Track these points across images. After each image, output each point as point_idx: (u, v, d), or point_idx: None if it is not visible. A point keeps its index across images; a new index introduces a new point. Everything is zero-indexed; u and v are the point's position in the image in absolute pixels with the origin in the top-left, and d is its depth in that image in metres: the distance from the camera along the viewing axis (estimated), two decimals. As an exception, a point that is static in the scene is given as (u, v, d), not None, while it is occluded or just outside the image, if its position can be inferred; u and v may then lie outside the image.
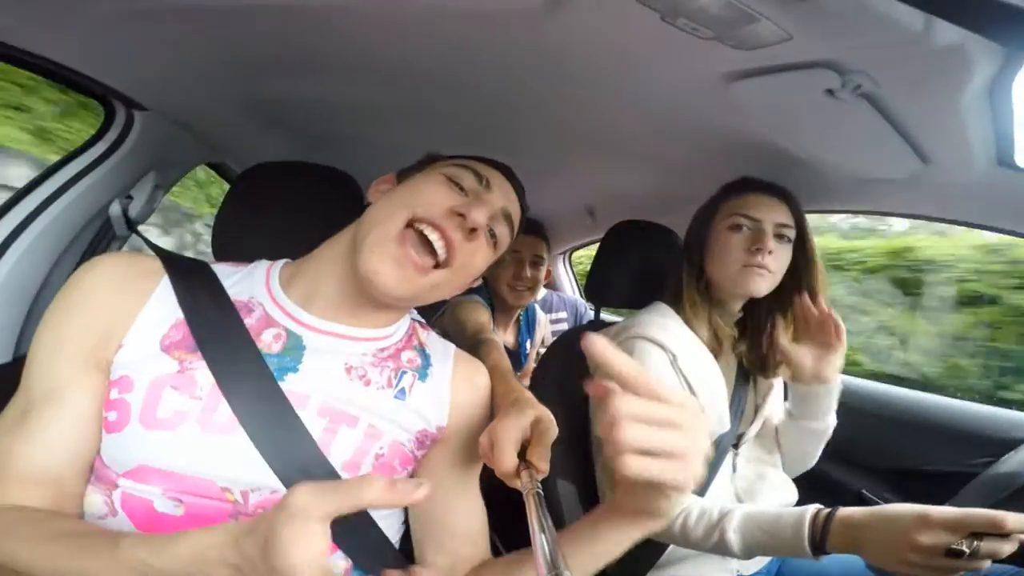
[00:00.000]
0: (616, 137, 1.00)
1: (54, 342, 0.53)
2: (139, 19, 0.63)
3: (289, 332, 0.58)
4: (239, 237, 0.75)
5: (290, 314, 0.59)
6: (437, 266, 0.58)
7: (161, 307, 0.55)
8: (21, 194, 0.75)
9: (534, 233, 1.54)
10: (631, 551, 0.84)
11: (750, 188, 0.91)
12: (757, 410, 0.97)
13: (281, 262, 0.65)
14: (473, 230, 0.58)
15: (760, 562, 0.93)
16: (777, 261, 0.87)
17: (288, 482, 0.52)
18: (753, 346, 0.95)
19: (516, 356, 1.61)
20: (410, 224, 0.56)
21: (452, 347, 0.71)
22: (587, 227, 1.92)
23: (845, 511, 0.67)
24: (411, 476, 0.62)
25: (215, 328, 0.55)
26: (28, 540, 0.44)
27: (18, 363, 0.78)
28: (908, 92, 0.65)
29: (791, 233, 0.89)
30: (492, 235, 0.63)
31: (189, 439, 0.51)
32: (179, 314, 0.55)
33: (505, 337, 1.60)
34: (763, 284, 0.87)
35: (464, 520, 0.64)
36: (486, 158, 0.68)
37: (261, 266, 0.64)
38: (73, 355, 0.52)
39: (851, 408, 1.06)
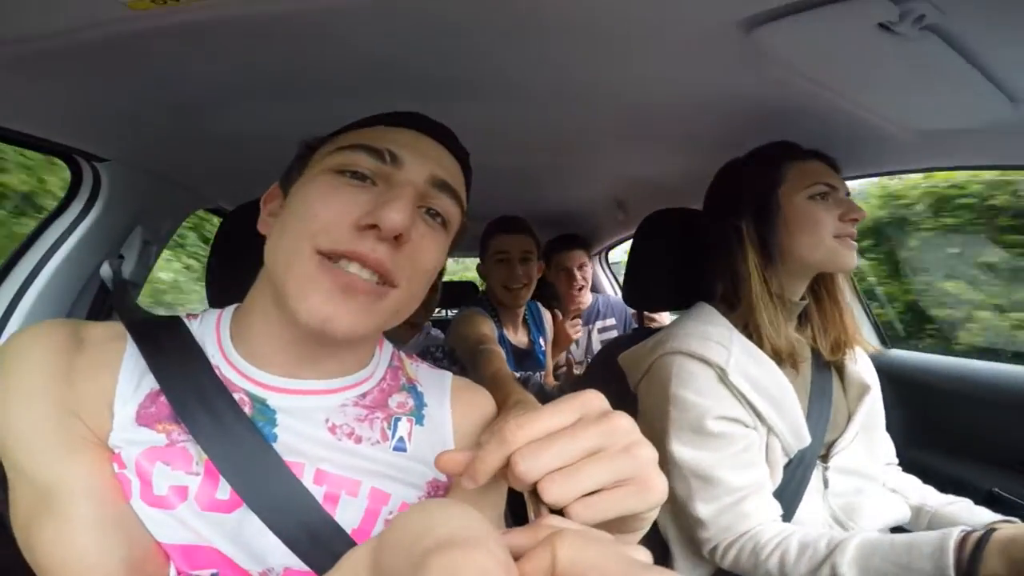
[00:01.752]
0: (639, 119, 0.89)
1: (37, 421, 0.44)
2: (73, 66, 0.58)
3: (251, 396, 0.50)
4: (231, 283, 0.70)
5: (245, 374, 0.50)
6: (383, 287, 0.47)
7: (131, 377, 0.48)
8: (12, 261, 0.73)
9: (519, 231, 1.48)
10: None
11: (809, 155, 0.79)
12: (851, 415, 0.82)
13: (232, 308, 0.55)
14: (397, 236, 0.46)
15: None
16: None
17: (305, 556, 0.46)
18: (821, 330, 0.83)
19: (532, 355, 1.57)
20: (321, 259, 0.45)
21: (448, 376, 0.61)
22: (619, 222, 1.82)
23: (1004, 531, 0.53)
24: None
25: (196, 396, 0.48)
26: None
27: None
28: (985, 17, 0.51)
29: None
30: (433, 214, 0.51)
31: (187, 518, 0.45)
32: (150, 384, 0.48)
33: (517, 338, 1.56)
34: (854, 257, 0.76)
35: None
36: (382, 115, 0.54)
37: (211, 315, 0.55)
38: (70, 431, 0.45)
39: (969, 394, 0.90)
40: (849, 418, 0.82)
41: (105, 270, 0.80)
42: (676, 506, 0.76)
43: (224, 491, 0.46)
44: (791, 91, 0.73)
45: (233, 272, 0.72)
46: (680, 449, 0.72)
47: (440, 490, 0.55)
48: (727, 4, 0.53)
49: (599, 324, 1.89)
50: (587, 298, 1.86)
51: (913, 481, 0.86)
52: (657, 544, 0.82)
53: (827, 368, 0.84)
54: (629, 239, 2.04)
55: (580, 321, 1.71)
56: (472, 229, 0.65)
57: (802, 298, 0.81)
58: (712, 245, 0.84)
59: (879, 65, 0.61)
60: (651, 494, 0.32)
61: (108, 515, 0.44)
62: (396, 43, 0.61)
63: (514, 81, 0.73)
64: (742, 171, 0.83)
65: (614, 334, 1.88)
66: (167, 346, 0.50)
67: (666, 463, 0.74)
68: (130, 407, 0.47)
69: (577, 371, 1.60)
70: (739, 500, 0.70)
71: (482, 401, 0.61)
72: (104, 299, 0.81)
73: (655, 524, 0.81)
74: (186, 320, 0.54)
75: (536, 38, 0.61)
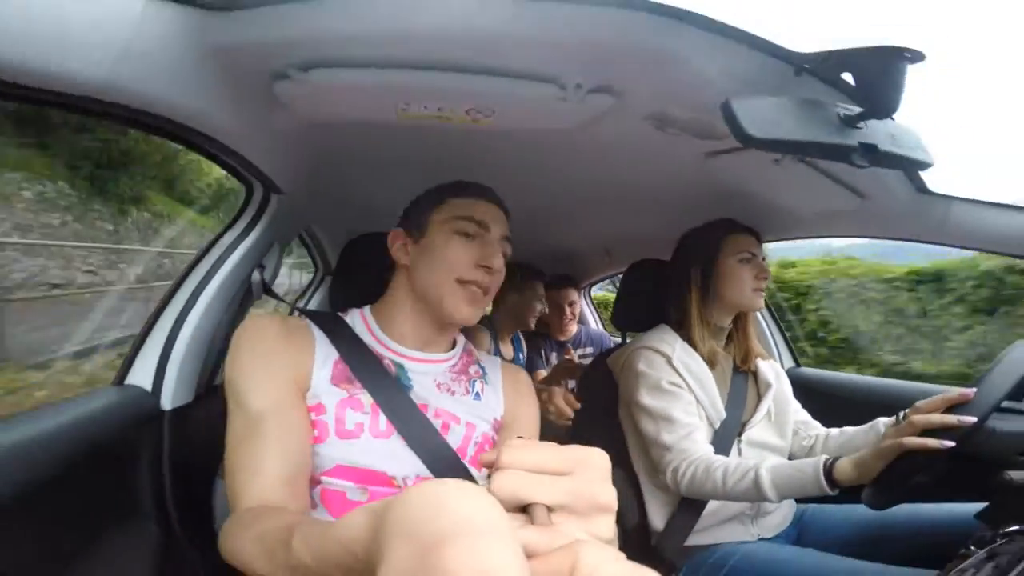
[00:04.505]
0: (626, 196, 1.27)
1: (262, 373, 0.68)
2: (298, 128, 0.83)
3: (395, 363, 0.79)
4: (351, 292, 0.99)
5: (389, 348, 0.80)
6: (485, 296, 0.80)
7: (322, 352, 0.75)
8: (195, 262, 1.03)
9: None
10: (674, 519, 1.08)
11: (744, 230, 1.17)
12: (759, 401, 1.18)
13: (367, 308, 0.84)
14: (497, 270, 0.79)
15: (779, 527, 1.13)
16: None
17: (432, 467, 0.72)
18: (739, 346, 1.21)
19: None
20: (460, 279, 0.77)
21: (498, 360, 0.94)
22: (605, 264, 2.23)
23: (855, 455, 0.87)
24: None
25: (362, 363, 0.75)
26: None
27: (204, 399, 1.03)
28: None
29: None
30: (503, 256, 0.82)
31: (366, 443, 0.71)
32: (334, 356, 0.75)
33: (504, 349, 2.01)
34: (760, 301, 1.15)
35: None
36: (470, 190, 0.83)
37: (354, 312, 0.84)
38: (282, 383, 0.69)
39: (849, 397, 1.27)
40: (756, 405, 1.18)
41: (255, 276, 1.06)
42: (646, 442, 1.10)
43: (383, 424, 0.72)
44: (731, 187, 1.11)
45: (353, 281, 1.04)
46: (647, 399, 1.09)
47: (498, 425, 0.85)
48: (697, 146, 0.87)
49: (579, 351, 2.26)
50: (573, 328, 2.25)
51: (818, 427, 1.22)
52: (630, 485, 1.16)
53: (743, 372, 1.21)
54: (610, 277, 2.47)
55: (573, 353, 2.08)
56: None
57: (730, 324, 1.20)
58: (671, 286, 1.22)
59: (780, 178, 1.00)
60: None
61: (290, 441, 0.66)
62: (484, 154, 0.98)
63: (536, 170, 1.09)
64: (695, 237, 1.21)
65: (590, 359, 2.25)
66: (339, 332, 0.78)
67: (638, 412, 1.11)
68: (324, 372, 0.73)
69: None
70: (689, 432, 1.05)
71: (521, 375, 0.94)
72: (247, 297, 1.10)
73: (630, 467, 1.16)
74: (340, 315, 0.84)
75: (566, 153, 0.97)
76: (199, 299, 1.00)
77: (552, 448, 0.33)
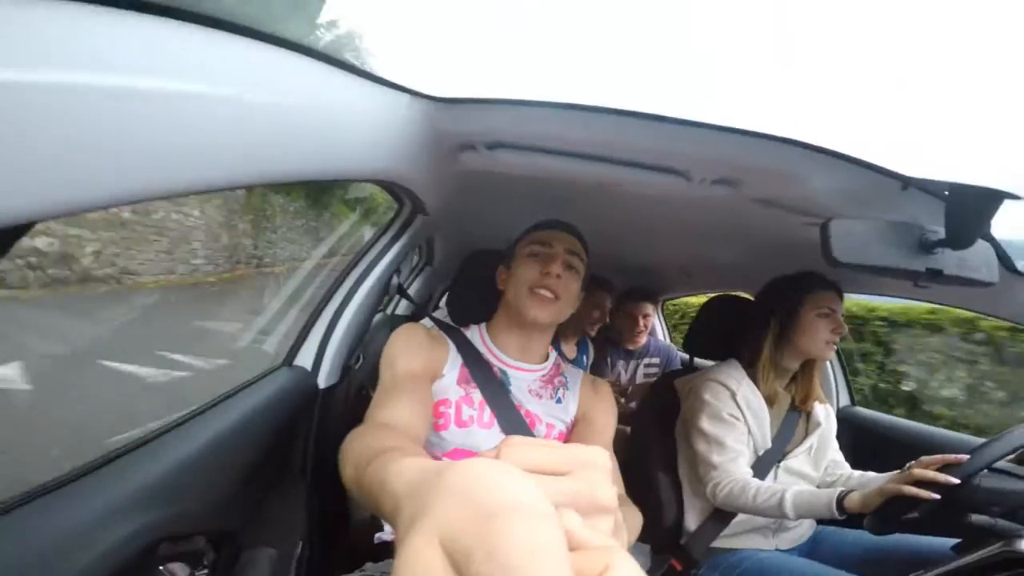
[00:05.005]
0: (714, 228, 1.36)
1: (407, 355, 0.90)
2: (454, 171, 1.00)
3: (501, 370, 0.98)
4: (467, 302, 1.15)
5: (500, 360, 0.99)
6: (555, 299, 0.94)
7: (453, 358, 0.96)
8: (352, 264, 1.27)
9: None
10: (705, 524, 1.23)
11: (829, 286, 1.26)
12: (805, 439, 1.31)
13: (483, 325, 1.05)
14: (558, 275, 0.94)
15: (796, 541, 1.27)
16: None
17: None
18: (801, 388, 1.32)
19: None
20: (531, 288, 0.94)
21: (580, 372, 1.09)
22: (683, 283, 2.32)
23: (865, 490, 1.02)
24: None
25: (479, 370, 0.96)
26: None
27: (348, 376, 1.25)
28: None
29: None
30: (571, 267, 0.97)
31: (475, 431, 0.90)
32: (460, 361, 0.96)
33: (566, 349, 2.11)
34: (832, 353, 1.25)
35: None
36: (545, 224, 1.02)
37: (474, 330, 1.04)
38: (419, 365, 0.90)
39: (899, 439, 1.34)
40: (801, 442, 1.30)
41: (394, 280, 1.29)
42: (695, 459, 1.26)
43: (488, 416, 0.92)
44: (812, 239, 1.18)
45: (471, 293, 1.22)
46: (706, 424, 1.24)
47: (568, 430, 1.00)
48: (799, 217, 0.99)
49: (645, 360, 2.33)
50: (644, 339, 2.32)
51: (846, 467, 1.34)
52: (673, 489, 1.33)
53: (797, 410, 1.32)
54: (683, 296, 2.56)
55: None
56: None
57: (797, 367, 1.30)
58: (749, 326, 1.33)
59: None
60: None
61: (415, 400, 0.82)
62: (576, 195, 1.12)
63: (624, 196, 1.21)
64: (781, 286, 1.31)
65: (654, 370, 2.33)
66: (464, 344, 0.99)
67: (695, 433, 1.26)
68: (453, 373, 0.94)
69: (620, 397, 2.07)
70: (735, 457, 1.20)
71: (597, 382, 1.08)
72: (383, 296, 1.33)
73: (676, 474, 1.34)
74: (464, 330, 1.04)
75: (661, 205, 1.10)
76: (354, 296, 1.23)
77: (552, 447, 0.33)
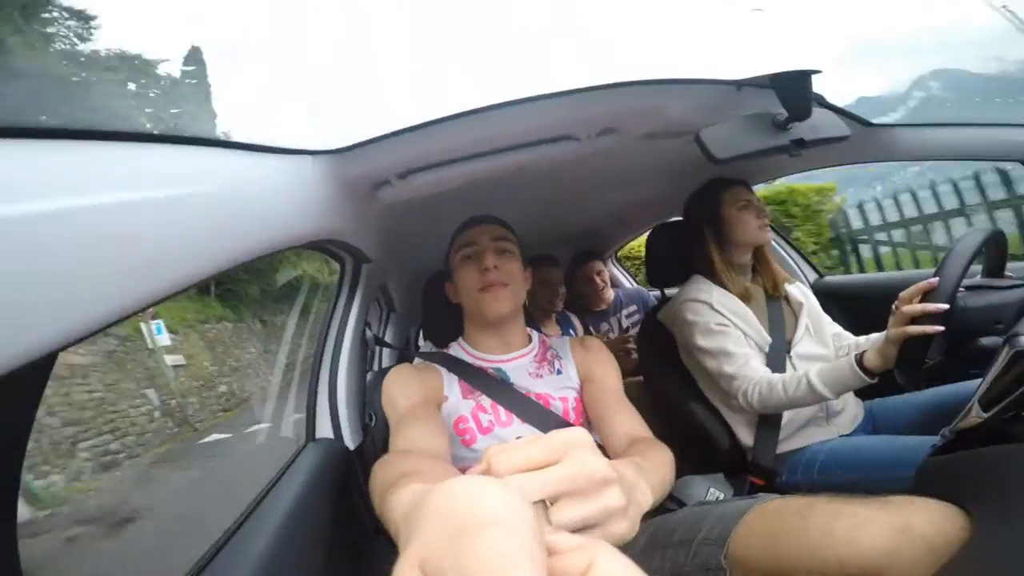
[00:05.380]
0: (629, 174, 1.50)
1: (404, 390, 0.95)
2: (382, 210, 1.06)
3: (495, 369, 1.03)
4: (446, 325, 1.20)
5: (489, 360, 1.05)
6: (505, 286, 0.99)
7: (448, 378, 1.02)
8: (325, 332, 1.31)
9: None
10: (759, 433, 1.29)
11: (736, 183, 1.37)
12: (797, 320, 1.35)
13: (460, 339, 1.11)
14: (495, 266, 0.98)
15: (853, 423, 1.28)
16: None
17: (548, 432, 0.92)
18: (766, 277, 1.40)
19: None
20: (479, 289, 0.99)
21: (566, 339, 1.14)
22: (623, 231, 2.48)
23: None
24: (585, 412, 1.03)
25: (475, 377, 1.01)
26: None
27: (368, 432, 1.28)
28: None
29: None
30: (503, 252, 1.01)
31: (499, 432, 0.95)
32: (456, 378, 1.01)
33: (550, 331, 2.13)
34: (768, 234, 1.34)
35: (622, 414, 0.97)
36: (461, 228, 1.07)
37: (455, 346, 1.10)
38: (420, 395, 0.95)
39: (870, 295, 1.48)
40: (795, 324, 1.36)
41: (368, 334, 1.34)
42: (714, 377, 1.30)
43: (504, 415, 0.96)
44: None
45: (440, 317, 1.27)
46: (702, 341, 1.29)
47: (580, 388, 1.05)
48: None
49: (624, 312, 2.41)
50: (610, 294, 2.42)
51: (849, 336, 1.41)
52: (712, 414, 1.37)
53: (776, 299, 1.39)
54: (628, 242, 2.71)
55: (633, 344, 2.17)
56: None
57: (750, 259, 1.39)
58: (692, 242, 1.42)
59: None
60: (615, 533, 0.35)
61: (426, 426, 0.86)
62: (507, 183, 1.22)
63: (549, 179, 1.30)
64: (698, 198, 1.42)
65: (636, 317, 2.42)
66: (452, 362, 1.04)
67: (698, 354, 1.30)
68: (455, 391, 0.99)
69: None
70: (746, 360, 1.22)
71: (585, 340, 1.14)
72: (365, 354, 1.39)
73: (706, 400, 1.38)
74: (445, 350, 1.10)
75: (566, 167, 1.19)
76: (340, 359, 1.28)
77: (533, 442, 0.35)
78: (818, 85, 0.81)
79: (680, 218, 1.52)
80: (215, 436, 7.63)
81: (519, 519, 0.24)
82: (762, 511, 0.66)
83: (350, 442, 1.21)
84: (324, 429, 1.20)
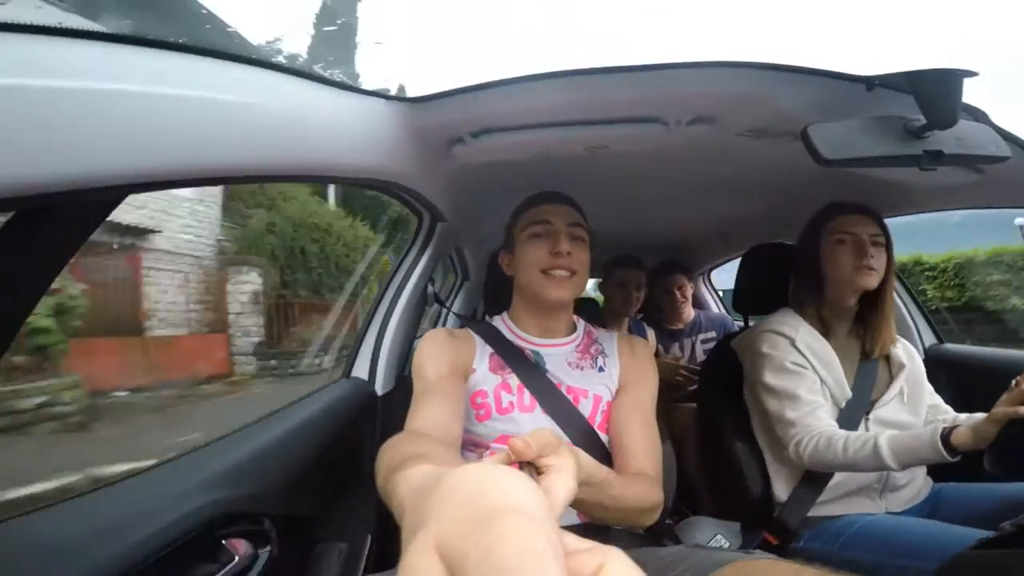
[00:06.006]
0: (736, 184, 1.36)
1: (433, 360, 0.91)
2: (460, 171, 1.09)
3: (532, 351, 0.98)
4: (502, 299, 1.18)
5: (528, 341, 1.00)
6: (571, 275, 0.94)
7: (481, 349, 0.98)
8: (390, 279, 1.37)
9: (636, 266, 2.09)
10: (796, 491, 1.16)
11: (848, 210, 1.18)
12: (891, 382, 1.19)
13: (505, 313, 1.06)
14: (568, 252, 0.93)
15: (910, 502, 1.13)
16: (879, 261, 1.14)
17: (567, 432, 0.88)
18: (872, 328, 1.20)
19: None
20: (543, 271, 0.94)
21: (615, 334, 1.07)
22: (722, 248, 2.29)
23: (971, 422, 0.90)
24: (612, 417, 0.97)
25: (509, 354, 0.97)
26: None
27: (401, 384, 1.34)
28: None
29: (881, 239, 1.16)
30: (575, 239, 0.96)
31: (517, 416, 0.91)
32: (489, 351, 0.97)
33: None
34: (872, 280, 1.13)
35: (639, 439, 0.92)
36: (533, 198, 1.01)
37: (498, 319, 1.05)
38: (446, 366, 0.91)
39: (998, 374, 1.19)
40: (888, 385, 1.18)
41: (430, 289, 1.38)
42: (770, 420, 1.17)
43: (528, 399, 0.92)
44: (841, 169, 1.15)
45: (498, 291, 1.27)
46: (771, 379, 1.15)
47: (615, 392, 0.98)
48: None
49: (701, 336, 2.26)
50: (688, 313, 2.26)
51: (949, 411, 1.20)
52: (754, 459, 1.25)
53: (873, 357, 1.20)
54: (726, 262, 2.49)
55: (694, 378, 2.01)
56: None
57: (855, 304, 1.19)
58: (792, 270, 1.27)
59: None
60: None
61: (448, 401, 0.85)
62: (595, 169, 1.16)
63: (640, 172, 1.22)
64: (810, 222, 1.24)
65: (713, 344, 2.19)
66: (491, 334, 1.00)
67: (762, 392, 1.17)
68: (484, 364, 0.95)
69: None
70: (813, 409, 1.09)
71: (638, 344, 1.07)
72: (423, 305, 1.43)
73: (755, 443, 1.25)
74: (489, 320, 1.07)
75: (662, 159, 1.11)
76: (396, 308, 1.33)
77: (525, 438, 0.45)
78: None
79: (784, 241, 1.36)
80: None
81: (543, 511, 0.24)
82: (740, 568, 0.59)
83: (380, 387, 1.24)
84: (361, 370, 1.25)
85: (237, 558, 0.67)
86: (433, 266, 1.41)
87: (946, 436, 0.89)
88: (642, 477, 0.85)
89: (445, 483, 0.27)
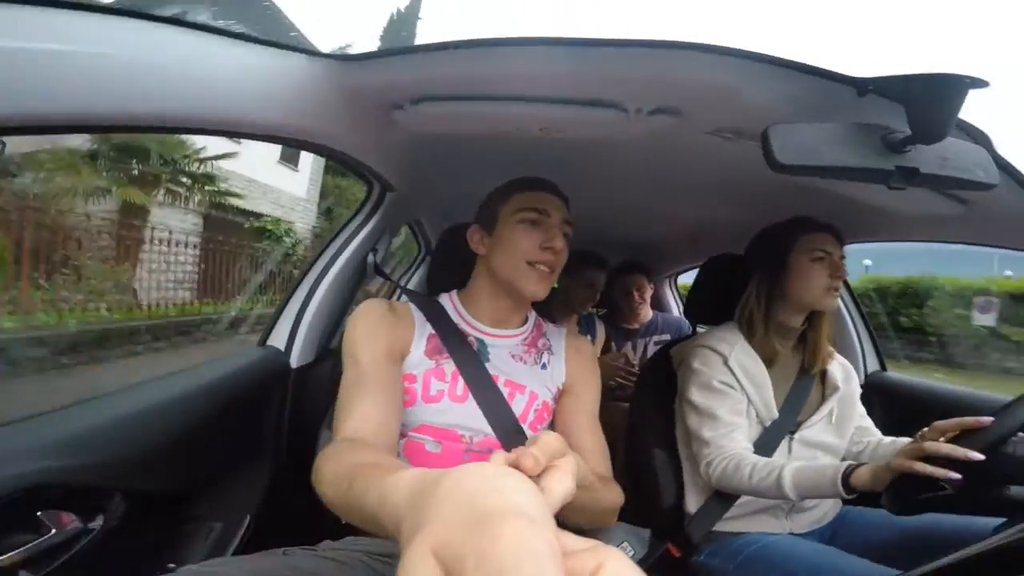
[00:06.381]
0: (707, 189, 1.29)
1: (368, 340, 0.84)
2: (408, 140, 1.00)
3: (477, 339, 0.92)
4: (447, 274, 1.12)
5: (475, 327, 0.93)
6: (551, 273, 0.90)
7: (420, 328, 0.90)
8: (325, 247, 1.26)
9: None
10: (705, 506, 1.14)
11: (821, 228, 1.13)
12: (822, 403, 1.17)
13: (454, 293, 0.98)
14: (560, 249, 0.89)
15: (814, 524, 1.14)
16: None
17: (496, 428, 0.85)
18: (810, 348, 1.18)
19: None
20: (529, 262, 0.88)
21: (563, 330, 1.03)
22: (691, 253, 2.22)
23: (872, 464, 0.90)
24: (552, 420, 0.95)
25: (450, 338, 0.90)
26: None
27: (324, 359, 1.25)
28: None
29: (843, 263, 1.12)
30: (566, 237, 0.92)
31: (446, 406, 0.85)
32: (429, 330, 0.90)
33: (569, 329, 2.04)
34: (836, 303, 1.14)
35: (589, 442, 0.92)
36: (532, 183, 0.94)
37: (445, 298, 0.97)
38: (384, 348, 0.84)
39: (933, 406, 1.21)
40: (818, 407, 1.17)
41: (370, 259, 1.26)
42: (689, 436, 1.15)
43: (460, 389, 0.86)
44: (819, 184, 1.03)
45: (449, 265, 1.19)
46: (695, 396, 1.12)
47: (558, 393, 0.96)
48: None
49: (655, 338, 2.21)
50: (646, 314, 2.23)
51: (875, 433, 1.19)
52: (671, 469, 1.23)
53: (809, 374, 1.18)
54: (696, 267, 2.43)
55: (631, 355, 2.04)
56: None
57: (802, 324, 1.17)
58: (741, 283, 1.22)
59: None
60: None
61: (385, 391, 0.79)
62: (562, 154, 1.06)
63: (609, 168, 1.14)
64: (769, 235, 1.20)
65: None
66: (434, 313, 0.92)
67: (686, 406, 1.15)
68: (420, 346, 0.88)
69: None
70: (729, 432, 1.08)
71: (583, 344, 1.04)
72: (362, 276, 1.33)
73: (676, 453, 1.23)
74: (435, 298, 0.98)
75: (629, 156, 1.03)
76: (326, 277, 1.23)
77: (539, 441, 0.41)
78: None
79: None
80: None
81: (541, 513, 0.24)
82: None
83: (296, 359, 1.16)
84: (278, 339, 1.16)
85: (54, 531, 0.61)
86: (378, 236, 1.31)
87: (847, 476, 0.90)
88: (608, 479, 0.87)
89: (442, 485, 0.27)
